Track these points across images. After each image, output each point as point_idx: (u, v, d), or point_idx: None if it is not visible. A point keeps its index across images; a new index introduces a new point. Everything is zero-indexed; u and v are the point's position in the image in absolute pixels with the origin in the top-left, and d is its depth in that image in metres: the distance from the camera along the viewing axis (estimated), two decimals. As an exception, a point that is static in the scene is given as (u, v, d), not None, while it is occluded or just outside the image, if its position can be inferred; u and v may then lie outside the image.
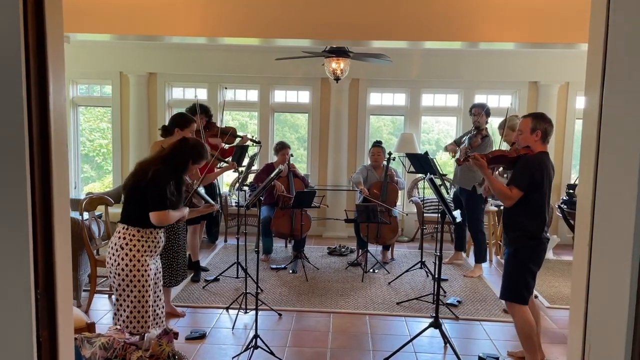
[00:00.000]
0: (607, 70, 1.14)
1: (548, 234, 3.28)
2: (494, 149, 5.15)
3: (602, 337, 1.15)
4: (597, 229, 1.17)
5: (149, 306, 2.90)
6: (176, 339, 2.23)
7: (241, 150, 5.27)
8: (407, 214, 7.11)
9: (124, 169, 7.32)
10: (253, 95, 7.45)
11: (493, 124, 5.85)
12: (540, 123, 3.18)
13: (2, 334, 1.25)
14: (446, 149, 5.70)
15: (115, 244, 2.91)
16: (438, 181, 4.29)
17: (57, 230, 1.34)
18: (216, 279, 5.10)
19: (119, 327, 2.42)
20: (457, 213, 3.73)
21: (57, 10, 1.34)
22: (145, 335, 2.17)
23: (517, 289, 3.19)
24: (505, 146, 4.43)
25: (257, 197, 3.36)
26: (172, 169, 2.96)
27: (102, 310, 4.40)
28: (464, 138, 5.57)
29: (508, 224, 3.26)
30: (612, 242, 1.12)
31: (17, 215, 1.24)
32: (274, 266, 5.62)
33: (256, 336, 3.50)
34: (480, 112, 5.35)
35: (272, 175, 3.41)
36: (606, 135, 1.14)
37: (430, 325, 3.73)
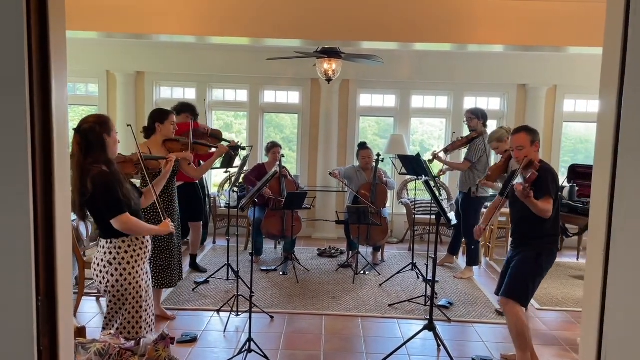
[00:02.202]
0: (626, 72, 1.13)
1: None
2: (485, 154, 5.21)
3: (621, 346, 1.13)
4: (615, 234, 1.15)
5: (140, 316, 2.77)
6: (172, 344, 2.19)
7: (232, 150, 5.20)
8: (388, 215, 7.10)
9: (110, 169, 7.21)
10: (242, 95, 7.39)
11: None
12: (535, 134, 3.29)
13: (2, 342, 1.20)
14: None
15: (102, 260, 2.71)
16: (432, 182, 4.29)
17: (58, 233, 1.30)
18: (206, 281, 5.04)
19: (112, 332, 2.36)
20: (452, 215, 3.73)
21: (60, 7, 1.29)
22: (141, 340, 2.12)
23: (526, 291, 3.26)
24: (495, 158, 4.47)
25: (252, 199, 3.32)
26: (99, 159, 2.63)
27: (90, 313, 4.32)
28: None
29: (532, 230, 3.27)
30: (633, 247, 1.11)
31: (19, 218, 1.19)
32: (264, 268, 5.57)
33: (250, 339, 3.46)
34: (470, 117, 5.43)
35: (268, 177, 3.37)
36: (626, 138, 1.13)
37: (425, 328, 3.72)
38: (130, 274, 2.70)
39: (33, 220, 1.22)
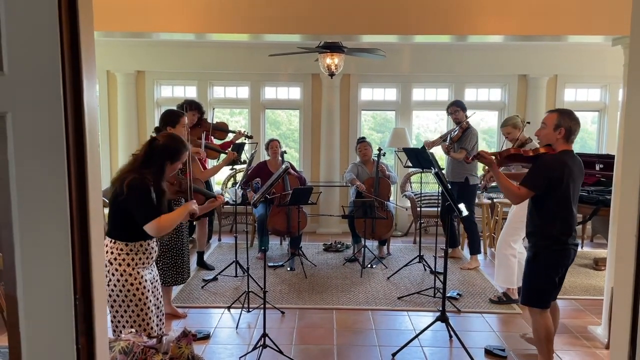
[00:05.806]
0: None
1: (577, 240, 3.12)
2: (477, 140, 5.27)
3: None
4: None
5: (150, 318, 2.70)
6: (195, 340, 2.20)
7: (238, 148, 5.21)
8: (402, 208, 7.11)
9: (112, 170, 7.21)
10: (243, 92, 7.37)
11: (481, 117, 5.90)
12: (565, 120, 3.01)
13: (44, 342, 1.21)
14: (425, 143, 5.70)
15: (104, 259, 2.63)
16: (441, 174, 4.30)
17: (92, 231, 1.30)
18: (214, 279, 5.05)
19: (135, 330, 2.37)
20: (462, 206, 3.73)
21: (88, 6, 1.29)
22: (163, 337, 2.13)
23: (536, 294, 3.14)
24: (507, 145, 4.46)
25: (264, 195, 3.32)
26: (148, 176, 2.66)
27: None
28: (447, 135, 5.66)
29: (531, 226, 3.16)
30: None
31: (58, 216, 1.19)
32: (271, 264, 5.58)
33: (265, 335, 3.47)
34: (456, 109, 5.52)
35: (280, 172, 3.37)
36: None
37: (438, 319, 3.74)
38: (130, 274, 2.64)
39: (69, 219, 1.22)
